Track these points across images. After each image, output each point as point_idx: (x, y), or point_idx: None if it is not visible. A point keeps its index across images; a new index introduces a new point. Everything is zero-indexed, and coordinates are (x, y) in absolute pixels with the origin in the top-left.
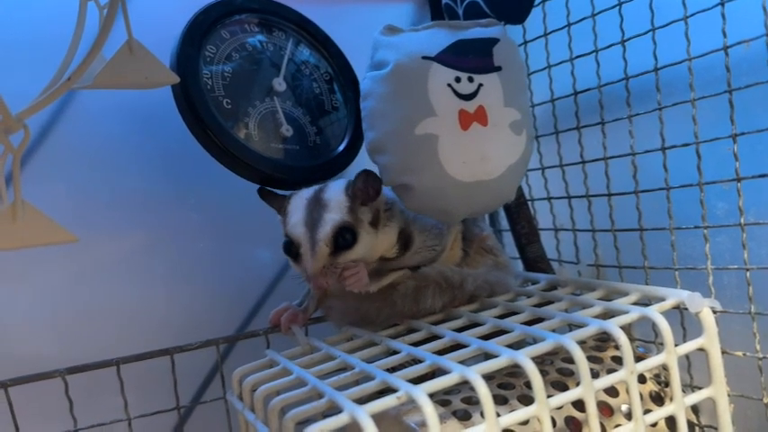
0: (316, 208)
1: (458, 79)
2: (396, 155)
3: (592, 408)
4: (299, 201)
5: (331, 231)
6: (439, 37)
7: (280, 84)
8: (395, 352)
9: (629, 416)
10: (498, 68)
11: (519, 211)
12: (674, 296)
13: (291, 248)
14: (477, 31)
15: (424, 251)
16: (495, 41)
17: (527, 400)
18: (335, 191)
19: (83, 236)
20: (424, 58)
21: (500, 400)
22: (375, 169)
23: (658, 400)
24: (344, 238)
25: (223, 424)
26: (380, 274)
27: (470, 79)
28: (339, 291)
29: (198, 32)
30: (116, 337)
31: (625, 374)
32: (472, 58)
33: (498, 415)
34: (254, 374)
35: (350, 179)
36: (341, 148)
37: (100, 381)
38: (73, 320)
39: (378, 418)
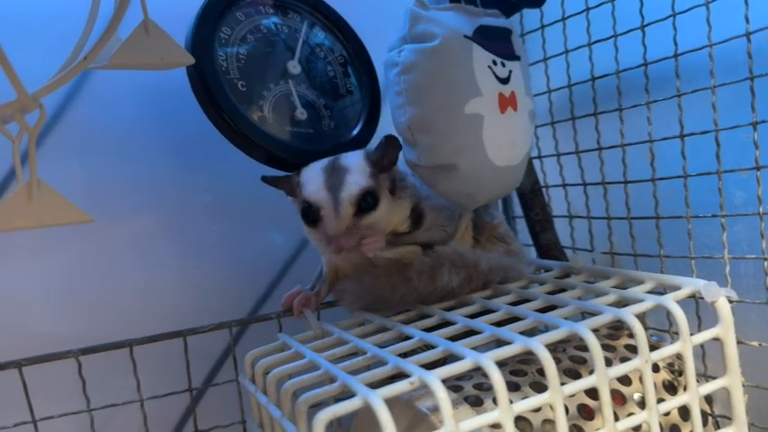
0: (335, 173)
1: (494, 62)
2: (443, 134)
3: (605, 396)
4: (314, 170)
5: (357, 193)
6: (464, 19)
7: (294, 66)
8: (407, 337)
9: (642, 404)
10: (518, 57)
11: (533, 198)
12: (690, 285)
13: (311, 212)
14: (489, 19)
15: (436, 230)
16: (510, 31)
17: (539, 387)
18: (355, 158)
19: (97, 217)
20: (465, 36)
21: (512, 387)
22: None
23: (671, 389)
24: (367, 201)
25: (235, 406)
26: (393, 245)
27: (503, 64)
28: (353, 271)
29: (213, 14)
30: (129, 319)
31: (639, 363)
32: (500, 43)
33: (511, 402)
34: (266, 358)
35: (368, 148)
36: (355, 132)
37: (113, 362)
38: (86, 301)
39: (390, 402)
